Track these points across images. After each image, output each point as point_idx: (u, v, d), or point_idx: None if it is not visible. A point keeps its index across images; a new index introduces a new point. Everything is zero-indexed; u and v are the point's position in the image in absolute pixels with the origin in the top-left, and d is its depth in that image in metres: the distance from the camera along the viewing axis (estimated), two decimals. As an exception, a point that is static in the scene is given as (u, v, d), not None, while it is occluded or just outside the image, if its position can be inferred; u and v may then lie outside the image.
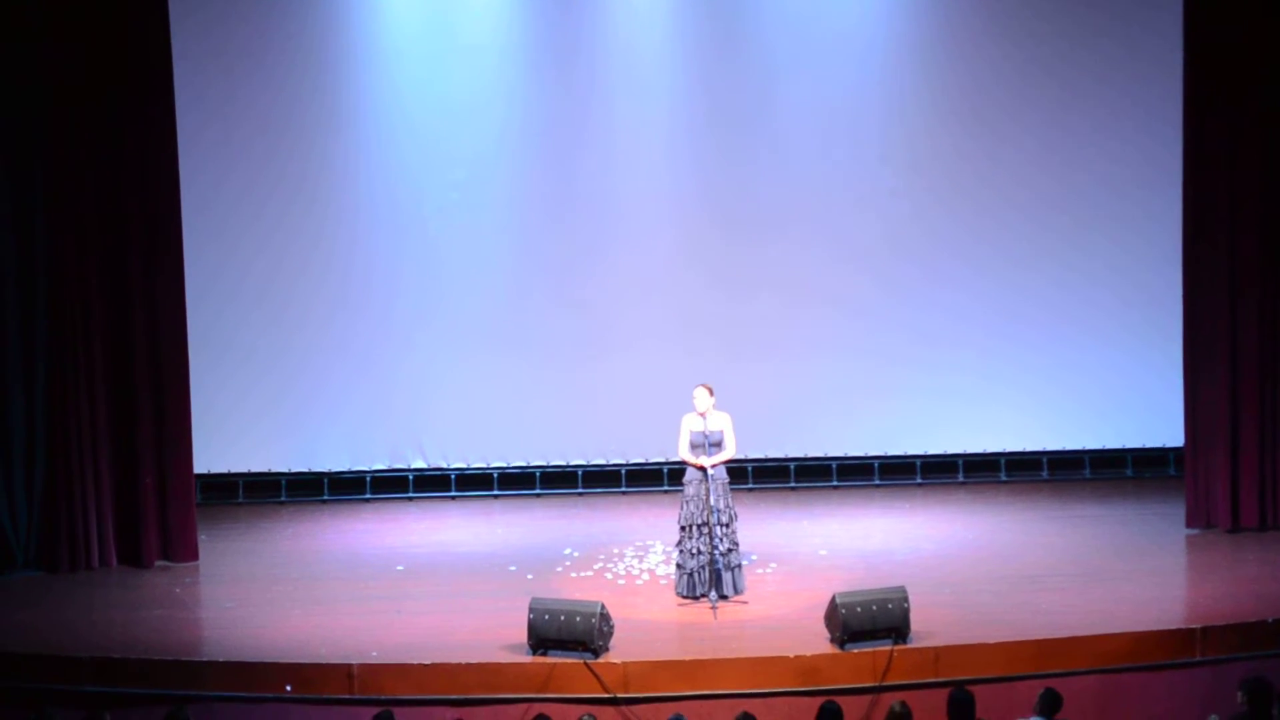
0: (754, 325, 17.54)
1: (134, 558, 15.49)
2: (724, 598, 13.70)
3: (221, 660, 12.67)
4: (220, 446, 17.32)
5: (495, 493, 17.88)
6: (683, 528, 13.87)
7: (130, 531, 15.51)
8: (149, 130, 15.31)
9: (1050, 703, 10.85)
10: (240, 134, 17.28)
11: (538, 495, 17.86)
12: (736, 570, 13.89)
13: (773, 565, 14.88)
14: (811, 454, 17.93)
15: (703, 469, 13.75)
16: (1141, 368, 17.53)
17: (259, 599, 14.34)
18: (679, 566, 13.95)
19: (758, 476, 17.81)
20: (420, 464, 17.87)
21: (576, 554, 15.44)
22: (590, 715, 11.27)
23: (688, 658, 12.51)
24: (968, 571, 14.58)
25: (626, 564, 15.05)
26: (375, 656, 12.56)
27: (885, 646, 12.45)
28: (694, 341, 17.32)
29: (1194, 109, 15.40)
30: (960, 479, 17.88)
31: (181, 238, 15.53)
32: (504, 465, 17.92)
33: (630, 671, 12.35)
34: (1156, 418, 17.54)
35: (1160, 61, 16.80)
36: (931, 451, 17.91)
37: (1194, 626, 12.74)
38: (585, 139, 17.53)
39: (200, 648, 13.21)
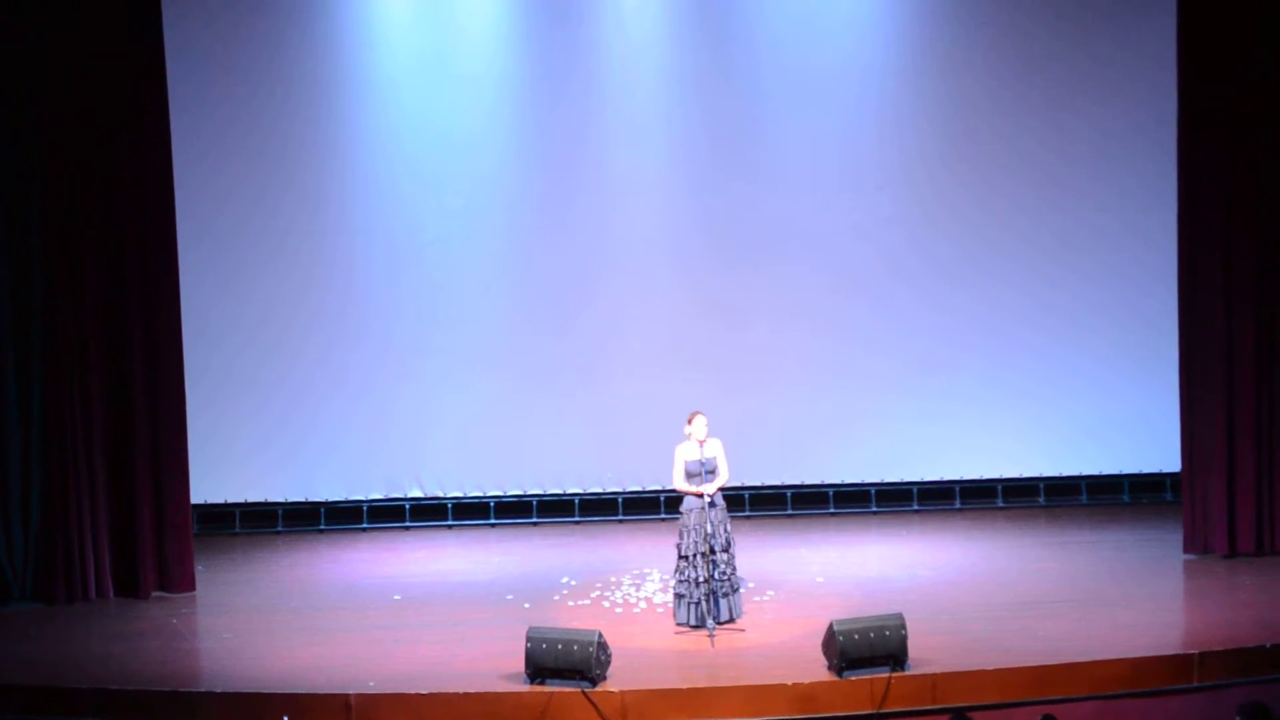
0: (751, 352, 17.56)
1: (131, 589, 15.47)
2: (723, 623, 13.68)
3: (219, 691, 12.65)
4: (217, 477, 17.33)
5: (492, 521, 17.88)
6: (683, 556, 13.85)
7: (127, 562, 15.50)
8: (145, 163, 15.32)
9: (1049, 730, 10.86)
10: (236, 166, 17.30)
11: (535, 524, 17.86)
12: (736, 595, 13.89)
13: (770, 593, 14.87)
14: (808, 481, 17.93)
15: (702, 495, 13.74)
16: (1138, 393, 17.55)
17: (256, 629, 14.32)
18: (679, 596, 13.92)
19: (755, 504, 17.81)
20: (417, 493, 17.87)
21: (574, 582, 15.43)
22: (588, 744, 11.29)
23: (685, 686, 12.49)
24: (965, 598, 14.58)
25: (624, 592, 15.04)
26: (373, 686, 12.55)
27: (883, 674, 12.43)
28: (691, 369, 17.32)
29: (1188, 132, 15.44)
30: (957, 505, 17.89)
31: (178, 268, 15.54)
32: (501, 494, 17.92)
33: (628, 700, 12.34)
34: (1153, 443, 17.55)
35: (1154, 84, 16.81)
36: (928, 478, 17.92)
37: (1192, 652, 12.74)
38: (581, 168, 17.56)
39: (198, 678, 13.19)
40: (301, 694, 12.51)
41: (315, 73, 17.39)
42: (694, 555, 13.76)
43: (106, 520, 15.43)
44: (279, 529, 17.75)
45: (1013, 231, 17.57)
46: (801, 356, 17.60)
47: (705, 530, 13.66)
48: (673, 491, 14.35)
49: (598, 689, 12.37)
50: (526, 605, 14.70)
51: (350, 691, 12.46)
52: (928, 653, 12.79)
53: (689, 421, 13.90)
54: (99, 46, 15.17)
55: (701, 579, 13.72)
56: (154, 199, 15.39)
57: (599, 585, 15.27)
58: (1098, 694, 12.51)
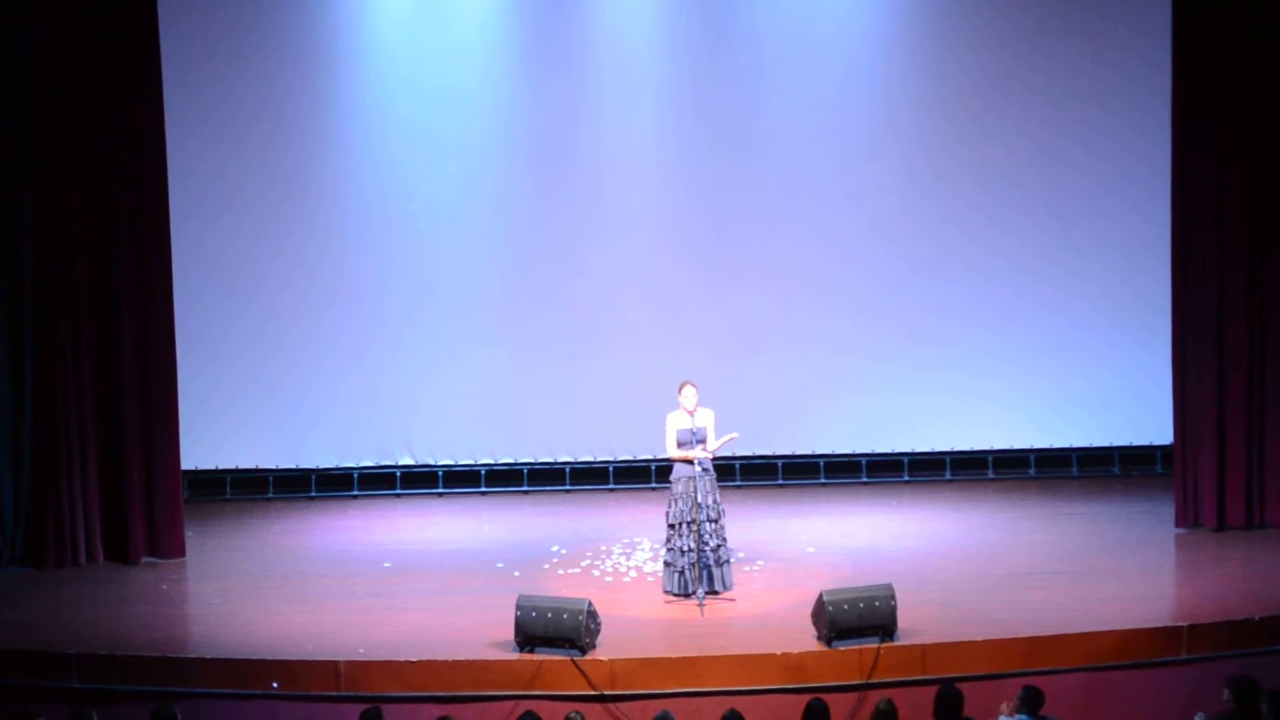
0: (742, 322, 17.55)
1: (121, 554, 15.47)
2: (713, 593, 13.69)
3: (208, 657, 12.65)
4: (209, 443, 17.33)
5: (483, 489, 17.87)
6: (671, 525, 13.85)
7: (117, 528, 15.50)
8: (137, 130, 15.30)
9: (1032, 699, 10.84)
10: (230, 133, 17.26)
11: (525, 492, 17.86)
12: (725, 566, 13.88)
13: (760, 562, 14.88)
14: (799, 451, 17.94)
15: (691, 463, 13.72)
16: (1129, 365, 17.56)
17: (246, 595, 14.32)
18: (667, 564, 13.94)
19: (745, 474, 17.81)
20: (408, 461, 17.86)
21: (564, 551, 15.43)
22: (577, 713, 11.24)
23: (675, 655, 12.50)
24: (955, 569, 14.59)
25: (614, 561, 15.05)
26: (362, 654, 12.55)
27: (872, 644, 12.45)
28: (682, 338, 17.33)
29: (1182, 105, 15.41)
30: (948, 476, 17.90)
31: (169, 236, 15.51)
32: (492, 462, 17.92)
33: (617, 669, 12.35)
34: (1144, 415, 17.56)
35: (1149, 58, 16.83)
36: (919, 449, 17.92)
37: (1181, 625, 12.75)
38: (573, 134, 17.52)
39: (187, 644, 13.20)
40: (291, 661, 12.52)
41: (309, 40, 17.34)
42: (681, 524, 13.77)
43: (97, 485, 15.42)
44: (270, 495, 17.75)
45: (1006, 203, 17.54)
46: (793, 326, 17.58)
47: (694, 499, 13.66)
48: (664, 460, 14.35)
49: (587, 657, 12.38)
50: (516, 574, 14.71)
51: (340, 658, 12.46)
52: (917, 623, 12.80)
53: (679, 390, 13.89)
54: (93, 11, 15.10)
55: (688, 548, 13.73)
56: (146, 167, 15.34)
57: (589, 554, 15.28)
58: (1087, 665, 12.52)
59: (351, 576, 14.85)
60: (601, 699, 12.29)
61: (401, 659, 12.44)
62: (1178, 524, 15.68)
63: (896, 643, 12.51)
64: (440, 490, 17.86)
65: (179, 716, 10.94)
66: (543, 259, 17.61)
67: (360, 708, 11.20)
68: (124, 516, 15.47)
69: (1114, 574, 14.30)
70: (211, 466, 17.63)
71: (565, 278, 17.61)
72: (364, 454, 17.84)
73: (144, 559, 15.49)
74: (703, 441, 13.78)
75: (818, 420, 17.80)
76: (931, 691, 11.00)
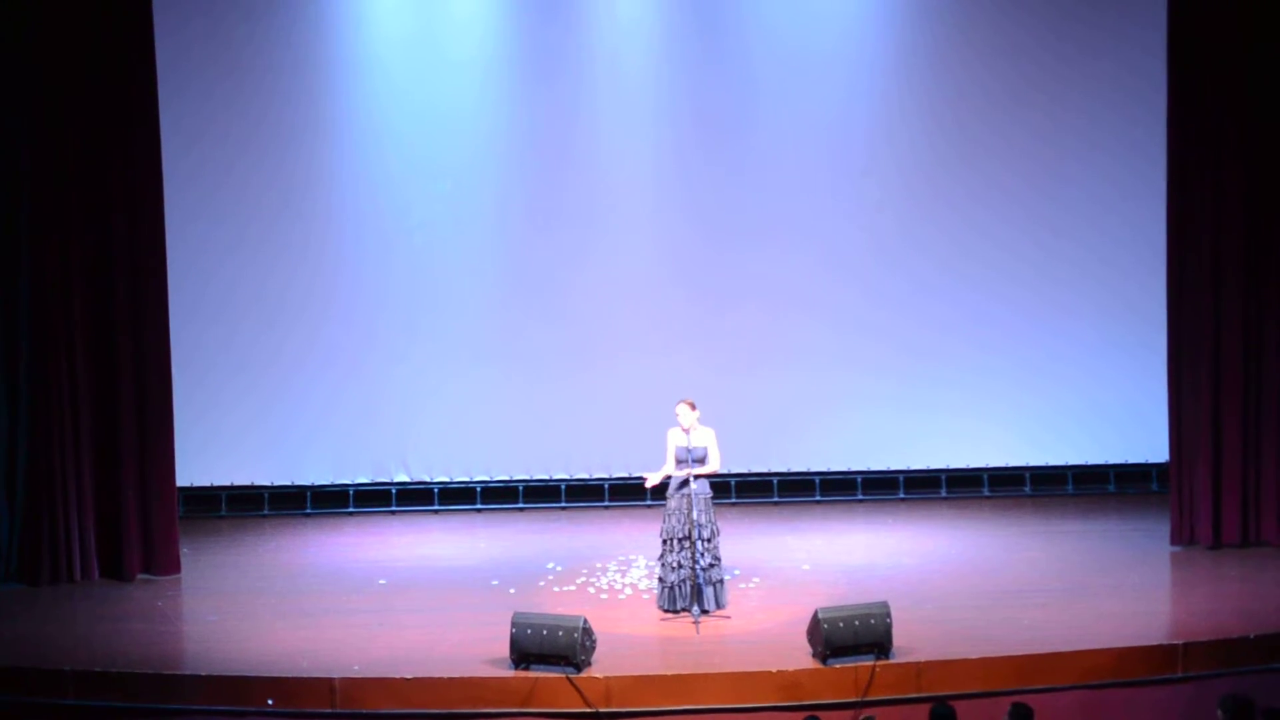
0: (738, 338, 17.56)
1: (116, 571, 15.45)
2: (705, 612, 13.69)
3: (203, 674, 12.63)
4: (204, 460, 17.31)
5: (478, 506, 17.87)
6: (664, 541, 13.86)
7: (112, 544, 15.47)
8: (134, 146, 15.29)
9: (1021, 718, 10.81)
10: (227, 149, 17.28)
11: (521, 509, 17.85)
12: (718, 585, 13.88)
13: (755, 580, 14.87)
14: (795, 468, 17.94)
15: (685, 480, 13.73)
16: (1125, 382, 17.57)
17: (241, 612, 14.30)
18: (660, 580, 13.95)
19: (741, 491, 17.81)
20: (403, 477, 17.86)
21: (559, 568, 15.42)
22: (572, 730, 11.29)
23: (670, 672, 12.49)
24: (950, 587, 14.58)
25: (609, 578, 15.04)
26: (357, 670, 12.54)
27: (868, 661, 12.44)
28: (678, 355, 17.33)
29: (1178, 122, 15.43)
30: (943, 494, 17.90)
31: (165, 251, 15.50)
32: (487, 479, 17.92)
33: (612, 686, 12.33)
34: (1140, 433, 17.58)
35: (1144, 75, 16.87)
36: (915, 466, 17.92)
37: (1176, 643, 12.74)
38: (570, 151, 17.55)
39: (182, 661, 13.18)
40: (286, 678, 12.50)
41: (304, 56, 17.37)
42: (671, 539, 13.78)
43: (92, 502, 15.40)
44: (265, 512, 17.73)
45: (1002, 219, 17.56)
46: (789, 342, 17.60)
47: (687, 516, 13.67)
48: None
49: (582, 675, 12.37)
50: (512, 590, 14.70)
51: (335, 675, 12.44)
52: (913, 641, 12.79)
53: (676, 408, 13.92)
54: (87, 24, 15.11)
55: (678, 564, 13.72)
56: (142, 179, 15.34)
57: (584, 571, 15.27)
58: (1082, 684, 12.51)
59: (347, 593, 14.83)
60: (597, 716, 12.28)
61: (397, 676, 12.42)
62: (1173, 542, 15.68)
63: (892, 660, 12.50)
64: (436, 507, 17.85)
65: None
66: (539, 276, 17.62)
67: (355, 725, 11.23)
68: (119, 533, 15.46)
69: (1109, 592, 14.29)
70: (207, 483, 17.62)
71: (562, 294, 17.63)
72: (360, 471, 17.84)
73: (139, 576, 15.48)
74: (700, 460, 13.79)
75: (813, 437, 17.81)
76: (926, 709, 10.97)
